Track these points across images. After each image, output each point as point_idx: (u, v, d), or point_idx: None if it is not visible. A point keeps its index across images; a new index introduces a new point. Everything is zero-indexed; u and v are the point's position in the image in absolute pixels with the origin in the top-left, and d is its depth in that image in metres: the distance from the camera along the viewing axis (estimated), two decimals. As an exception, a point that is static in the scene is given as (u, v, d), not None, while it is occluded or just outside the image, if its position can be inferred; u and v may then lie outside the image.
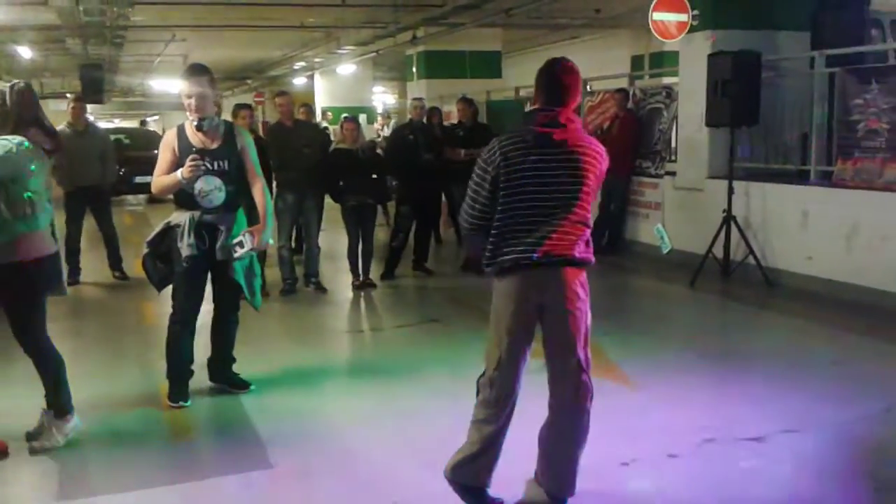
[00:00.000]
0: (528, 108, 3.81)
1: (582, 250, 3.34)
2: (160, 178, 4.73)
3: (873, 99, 7.15)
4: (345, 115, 8.61)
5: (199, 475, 3.97)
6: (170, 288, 4.88)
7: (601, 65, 16.53)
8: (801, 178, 8.22)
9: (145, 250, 4.86)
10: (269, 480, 3.93)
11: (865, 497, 3.61)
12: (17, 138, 3.97)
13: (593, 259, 3.40)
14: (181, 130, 4.78)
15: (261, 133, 10.77)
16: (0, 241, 3.98)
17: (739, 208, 8.17)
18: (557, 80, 3.36)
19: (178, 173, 4.61)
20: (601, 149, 3.41)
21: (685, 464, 3.99)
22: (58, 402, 4.25)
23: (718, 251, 8.13)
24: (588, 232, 3.38)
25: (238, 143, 4.82)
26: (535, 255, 3.26)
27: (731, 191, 8.02)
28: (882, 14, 9.17)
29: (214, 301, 5.05)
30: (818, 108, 7.91)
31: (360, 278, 8.20)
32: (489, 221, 3.34)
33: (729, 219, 8.08)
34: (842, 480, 3.78)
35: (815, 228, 7.62)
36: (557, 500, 3.46)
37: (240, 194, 4.89)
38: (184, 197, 4.74)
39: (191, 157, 4.61)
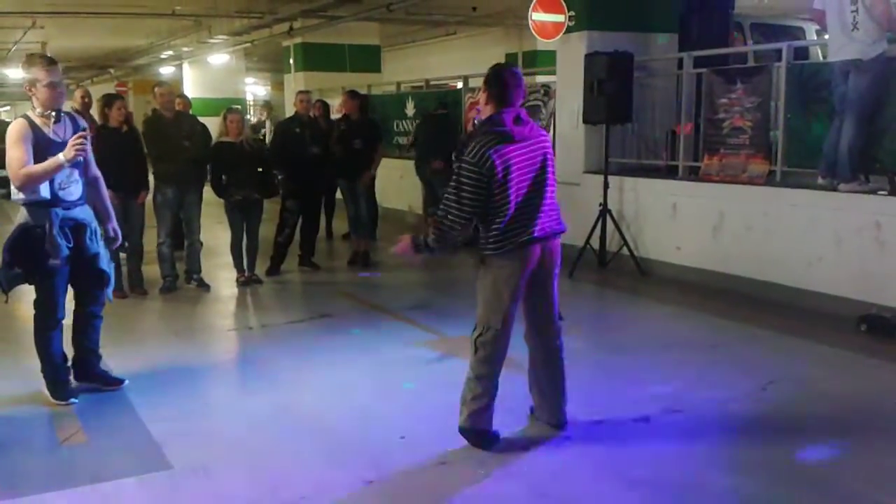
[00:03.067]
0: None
1: (561, 221, 4.11)
2: (35, 167, 4.47)
3: (738, 98, 7.61)
4: (229, 106, 8.42)
5: (96, 477, 3.83)
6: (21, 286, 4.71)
7: (476, 62, 16.76)
8: (670, 172, 8.65)
9: (6, 258, 4.61)
10: (170, 481, 3.83)
11: (742, 471, 3.88)
12: None
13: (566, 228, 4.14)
14: (31, 122, 4.57)
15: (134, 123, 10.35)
16: None
17: (614, 202, 8.52)
18: (507, 83, 3.95)
19: (61, 156, 4.46)
20: (544, 132, 4.15)
21: (579, 445, 4.16)
22: None
23: (595, 243, 8.47)
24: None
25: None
26: (535, 233, 3.94)
27: (606, 185, 8.37)
28: (743, 17, 9.77)
29: (78, 298, 4.93)
30: (686, 106, 8.35)
31: (246, 274, 8.06)
32: (477, 217, 3.89)
33: (604, 212, 8.42)
34: (723, 457, 4.04)
35: (684, 220, 8.05)
36: (559, 426, 4.28)
37: (88, 185, 4.83)
38: (41, 193, 4.54)
39: (77, 135, 4.51)
